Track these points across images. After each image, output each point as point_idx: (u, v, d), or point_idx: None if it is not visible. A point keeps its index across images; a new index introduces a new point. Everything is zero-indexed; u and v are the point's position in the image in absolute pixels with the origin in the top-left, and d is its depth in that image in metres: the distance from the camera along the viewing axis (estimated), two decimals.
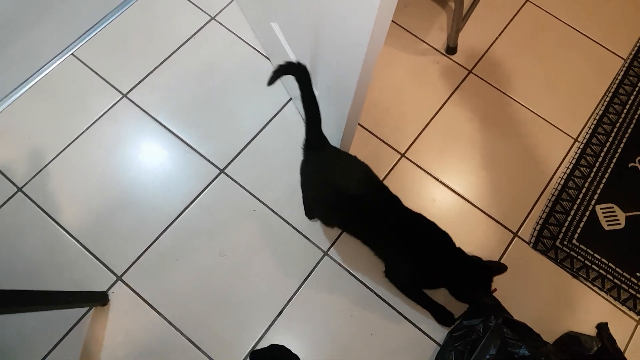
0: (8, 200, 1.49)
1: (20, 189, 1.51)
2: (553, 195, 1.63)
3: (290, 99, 1.70)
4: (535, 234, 1.57)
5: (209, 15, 1.82)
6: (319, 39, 1.21)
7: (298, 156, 1.61)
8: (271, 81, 1.14)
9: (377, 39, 0.95)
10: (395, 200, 1.24)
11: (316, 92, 1.43)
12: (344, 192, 1.20)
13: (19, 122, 1.59)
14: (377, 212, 1.22)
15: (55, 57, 1.69)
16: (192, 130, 1.63)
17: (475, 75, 1.80)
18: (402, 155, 1.65)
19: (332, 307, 1.44)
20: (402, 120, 1.71)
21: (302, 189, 1.47)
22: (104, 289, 1.41)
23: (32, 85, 1.65)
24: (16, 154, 1.55)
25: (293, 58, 1.48)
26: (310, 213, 1.53)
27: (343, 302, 1.45)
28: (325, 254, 1.50)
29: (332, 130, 1.37)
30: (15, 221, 1.47)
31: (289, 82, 1.67)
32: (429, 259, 1.26)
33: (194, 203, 1.53)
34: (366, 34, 0.92)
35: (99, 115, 1.62)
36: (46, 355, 1.33)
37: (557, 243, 1.57)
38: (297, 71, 1.12)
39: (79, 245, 1.45)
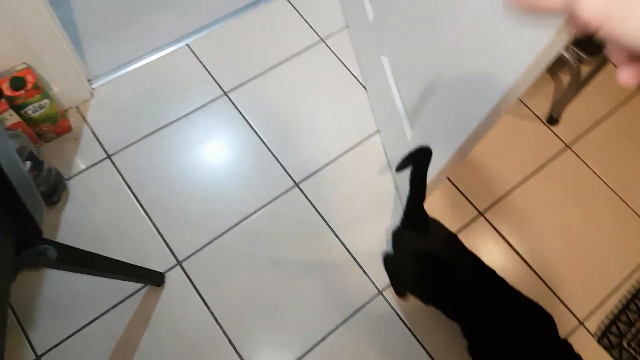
0: (95, 164, 1.57)
1: (109, 156, 1.58)
2: (630, 292, 1.53)
3: (378, 131, 1.71)
4: (602, 327, 1.48)
5: (319, 37, 1.87)
6: (434, 85, 1.21)
7: (372, 188, 1.61)
8: (400, 168, 1.09)
9: (503, 105, 0.93)
10: (504, 282, 1.15)
11: (409, 133, 1.44)
12: (450, 274, 1.12)
13: (123, 95, 1.68)
14: (484, 295, 1.13)
15: (170, 43, 1.78)
16: (278, 139, 1.66)
17: (573, 151, 1.74)
18: (481, 213, 1.61)
19: (375, 350, 1.40)
20: (487, 178, 1.67)
21: (391, 260, 1.39)
22: (162, 270, 1.44)
23: (144, 65, 1.74)
24: (114, 123, 1.63)
25: (396, 95, 1.49)
26: (399, 289, 1.45)
27: (388, 347, 1.41)
28: (380, 293, 1.47)
29: None
30: (96, 185, 1.54)
31: (379, 113, 1.68)
32: (536, 349, 1.14)
33: (263, 208, 1.55)
34: (497, 95, 0.90)
35: (198, 106, 1.69)
36: (94, 319, 1.37)
37: (624, 342, 1.47)
38: (424, 155, 1.07)
39: (149, 222, 1.50)
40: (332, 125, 1.71)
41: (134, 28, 1.80)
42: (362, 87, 1.78)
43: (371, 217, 1.54)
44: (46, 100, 1.35)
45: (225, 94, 1.72)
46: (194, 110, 1.68)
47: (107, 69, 1.70)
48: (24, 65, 1.29)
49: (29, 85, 1.27)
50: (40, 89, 1.31)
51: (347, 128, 1.71)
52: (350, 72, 1.81)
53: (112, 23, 1.80)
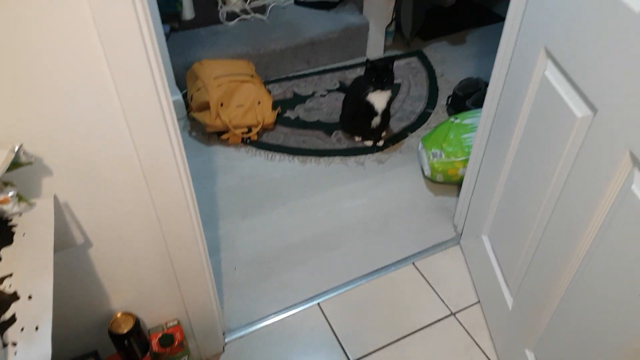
0: None
1: None
2: None
3: None
4: None
5: (450, 310, 1.82)
6: None
7: None
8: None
9: None
10: None
11: None
12: None
13: (250, 354, 1.66)
14: None
15: (303, 301, 1.82)
16: None
17: None
18: None
19: None
20: None
21: None
22: None
23: (275, 322, 1.75)
24: None
25: None
26: None
27: None
28: None
29: None
30: None
31: None
32: None
33: None
34: None
35: None
36: None
37: None
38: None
39: None
40: None
41: (271, 283, 1.88)
42: None
43: None
44: (185, 357, 1.36)
45: None
46: None
47: (241, 323, 1.73)
48: (175, 322, 1.35)
49: (176, 343, 1.30)
50: (184, 347, 1.33)
51: None
52: (485, 354, 1.68)
53: (251, 276, 1.90)
